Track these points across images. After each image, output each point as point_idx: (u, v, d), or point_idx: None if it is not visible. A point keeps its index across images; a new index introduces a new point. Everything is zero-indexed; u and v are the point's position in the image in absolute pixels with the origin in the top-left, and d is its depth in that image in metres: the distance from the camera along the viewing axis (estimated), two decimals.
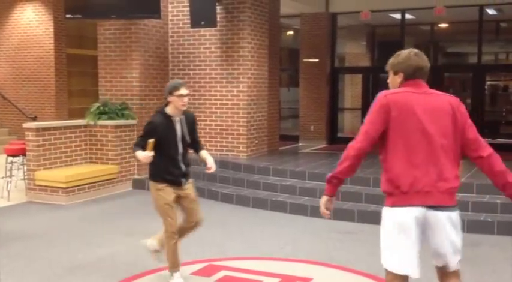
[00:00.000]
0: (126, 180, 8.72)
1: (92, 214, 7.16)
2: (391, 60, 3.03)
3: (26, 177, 8.07)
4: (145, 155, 4.09)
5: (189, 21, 8.77)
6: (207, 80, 9.23)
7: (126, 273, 4.73)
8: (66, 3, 9.01)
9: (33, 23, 12.99)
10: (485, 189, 6.47)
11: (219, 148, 9.14)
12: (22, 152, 7.98)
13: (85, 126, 8.54)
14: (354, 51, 15.34)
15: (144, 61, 8.94)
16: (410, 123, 2.80)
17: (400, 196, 2.79)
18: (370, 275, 4.63)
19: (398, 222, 2.79)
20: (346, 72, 14.63)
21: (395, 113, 2.81)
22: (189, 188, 4.42)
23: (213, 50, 9.17)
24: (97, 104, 8.79)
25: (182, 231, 4.49)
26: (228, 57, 9.06)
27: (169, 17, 9.43)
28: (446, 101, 2.89)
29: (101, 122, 8.49)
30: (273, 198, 7.36)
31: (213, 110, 9.21)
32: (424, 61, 2.96)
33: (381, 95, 2.90)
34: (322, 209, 3.04)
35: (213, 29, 8.92)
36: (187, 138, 4.35)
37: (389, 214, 2.84)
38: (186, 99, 4.23)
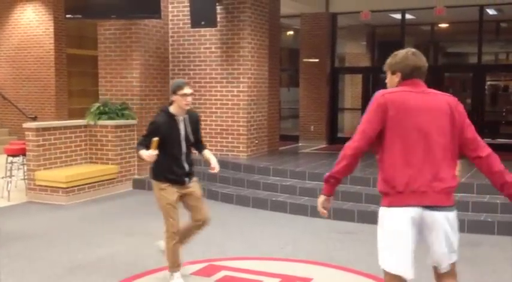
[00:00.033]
0: (126, 180, 8.72)
1: (92, 214, 7.16)
2: (389, 60, 3.02)
3: (26, 177, 8.07)
4: (149, 154, 4.09)
5: (189, 21, 8.77)
6: (207, 80, 9.23)
7: (126, 273, 4.73)
8: (66, 3, 9.01)
9: (33, 23, 12.99)
10: (486, 189, 6.47)
11: (219, 148, 9.14)
12: (22, 152, 7.98)
13: (85, 126, 8.55)
14: (354, 52, 15.34)
15: (144, 61, 8.94)
16: (407, 123, 2.79)
17: (396, 196, 2.78)
18: (370, 275, 4.63)
19: (395, 222, 2.78)
20: (346, 73, 14.63)
21: (392, 112, 2.80)
22: (193, 186, 4.40)
23: (213, 50, 9.17)
24: (97, 104, 8.79)
25: (188, 232, 4.48)
26: (228, 57, 9.06)
27: (170, 17, 9.44)
28: (444, 100, 2.88)
29: (101, 122, 8.49)
30: (273, 198, 7.36)
31: (213, 110, 9.21)
32: (422, 61, 2.95)
33: (379, 94, 2.89)
34: (320, 208, 3.05)
35: (213, 29, 8.92)
36: (191, 137, 4.34)
37: (386, 214, 2.83)
38: (189, 99, 4.23)
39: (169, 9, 9.41)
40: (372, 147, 2.91)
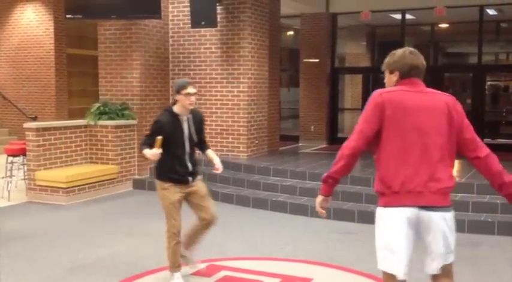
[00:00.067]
0: (126, 180, 8.72)
1: (92, 214, 7.16)
2: (387, 60, 3.00)
3: (26, 177, 8.08)
4: (153, 152, 4.08)
5: (189, 21, 8.77)
6: (208, 80, 9.23)
7: (126, 273, 4.73)
8: (66, 4, 9.02)
9: (33, 23, 13.00)
10: (486, 189, 6.47)
11: (219, 148, 9.14)
12: (22, 152, 7.98)
13: (85, 126, 8.55)
14: (354, 52, 15.35)
15: (144, 61, 8.94)
16: (404, 122, 2.78)
17: (392, 196, 2.77)
18: (371, 275, 4.63)
19: (390, 222, 2.77)
20: (347, 73, 14.64)
21: (389, 111, 2.78)
22: (197, 184, 4.38)
23: (213, 50, 9.17)
24: (97, 104, 8.79)
25: (196, 233, 4.47)
26: (228, 58, 9.06)
27: (170, 17, 9.44)
28: (442, 99, 2.86)
29: (101, 122, 8.49)
30: (273, 199, 7.36)
31: (214, 110, 9.21)
32: (420, 59, 2.93)
33: (376, 94, 2.88)
34: (318, 208, 3.03)
35: (213, 29, 8.92)
36: (195, 137, 4.33)
37: (382, 214, 2.82)
38: (193, 98, 4.22)
39: (170, 10, 9.42)
40: (370, 147, 2.89)
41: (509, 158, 8.60)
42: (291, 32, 15.87)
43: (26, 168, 8.06)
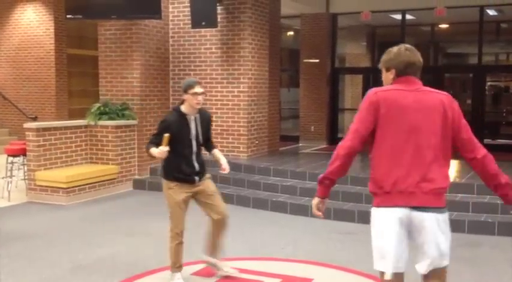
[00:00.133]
0: (126, 180, 8.72)
1: (93, 214, 7.17)
2: (383, 57, 2.97)
3: (26, 177, 8.08)
4: (161, 150, 4.07)
5: (189, 21, 8.77)
6: (208, 81, 9.23)
7: (126, 274, 4.73)
8: (66, 4, 9.02)
9: (33, 23, 13.00)
10: (486, 190, 6.37)
11: (219, 148, 9.02)
12: (22, 152, 7.98)
13: (85, 126, 8.55)
14: (354, 52, 15.35)
15: (144, 61, 8.94)
16: (398, 122, 2.74)
17: (384, 196, 2.75)
18: (371, 275, 4.62)
19: (382, 222, 2.75)
20: (347, 73, 14.64)
21: (384, 110, 2.75)
22: (204, 183, 4.36)
23: (213, 50, 9.18)
24: (97, 105, 8.79)
25: (214, 237, 4.44)
26: (228, 58, 9.06)
27: (170, 18, 9.44)
28: (437, 98, 2.81)
29: (101, 123, 8.49)
30: (274, 199, 7.36)
31: (214, 110, 9.21)
32: (416, 56, 2.88)
33: (371, 92, 2.85)
34: (315, 211, 2.98)
35: (213, 29, 8.92)
36: (202, 137, 4.32)
37: (375, 214, 2.80)
38: (200, 98, 4.21)
39: (170, 10, 9.42)
40: (366, 147, 2.86)
41: (509, 159, 8.62)
42: (291, 32, 15.88)
43: (26, 168, 8.06)
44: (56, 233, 6.19)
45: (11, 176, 8.02)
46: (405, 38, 12.39)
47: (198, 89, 4.19)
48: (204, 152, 4.48)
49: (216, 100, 9.20)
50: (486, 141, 11.12)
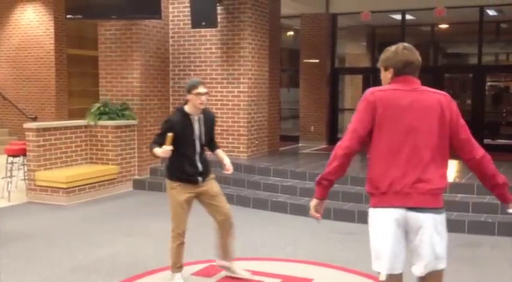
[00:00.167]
0: (126, 180, 8.72)
1: (93, 214, 7.16)
2: (381, 56, 2.95)
3: (26, 177, 8.08)
4: (164, 150, 4.06)
5: (189, 21, 8.77)
6: (208, 81, 9.23)
7: (126, 274, 4.73)
8: (66, 4, 9.02)
9: (33, 23, 13.00)
10: (486, 190, 6.34)
11: None
12: (22, 153, 7.98)
13: (85, 126, 8.55)
14: (354, 52, 15.35)
15: (144, 62, 8.94)
16: (395, 122, 2.73)
17: (380, 197, 2.73)
18: (371, 275, 4.62)
19: (379, 223, 2.74)
20: (347, 73, 14.64)
21: (381, 110, 2.74)
22: (207, 184, 4.35)
23: (213, 50, 9.18)
24: (97, 105, 8.79)
25: (222, 239, 4.42)
26: (228, 58, 9.06)
27: (170, 18, 9.44)
28: (434, 98, 2.78)
29: (101, 123, 8.49)
30: (274, 199, 7.36)
31: (214, 110, 9.14)
32: (415, 55, 2.85)
33: (368, 92, 2.83)
34: (313, 213, 2.93)
35: (213, 29, 8.92)
36: (205, 137, 4.31)
37: (372, 215, 2.79)
38: (204, 98, 4.21)
39: (170, 10, 9.42)
40: (364, 147, 2.84)
41: (509, 159, 8.63)
42: (291, 33, 15.88)
43: (26, 168, 8.06)
44: (56, 233, 6.19)
45: (11, 176, 8.02)
46: (405, 38, 12.39)
47: (201, 89, 4.19)
48: (207, 152, 4.47)
49: (216, 100, 9.20)
50: (486, 141, 11.13)
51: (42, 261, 5.10)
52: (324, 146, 12.62)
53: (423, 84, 2.89)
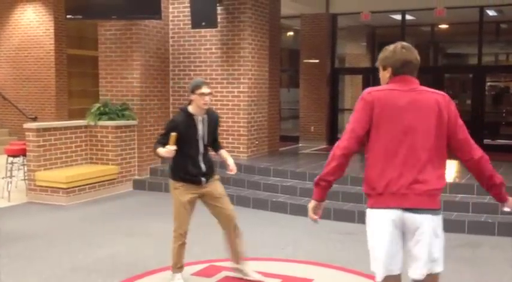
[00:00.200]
0: (126, 180, 8.72)
1: (93, 214, 7.16)
2: (380, 55, 2.93)
3: (26, 177, 8.07)
4: (167, 149, 4.06)
5: (189, 21, 8.77)
6: (208, 81, 9.12)
7: (126, 274, 4.73)
8: (66, 4, 9.02)
9: (33, 23, 13.00)
10: None
11: None
12: (22, 153, 7.98)
13: (85, 126, 8.55)
14: (354, 52, 15.35)
15: (144, 62, 8.94)
16: (392, 123, 2.71)
17: (376, 198, 2.72)
18: (371, 275, 4.62)
19: (375, 223, 2.73)
20: (347, 73, 14.64)
21: (378, 110, 2.73)
22: (211, 185, 4.34)
23: (213, 50, 9.18)
24: (97, 105, 8.79)
25: (229, 241, 4.42)
26: (228, 58, 9.06)
27: (170, 18, 9.44)
28: (432, 98, 2.75)
29: (101, 123, 8.49)
30: (274, 199, 7.36)
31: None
32: (413, 54, 2.83)
33: (365, 92, 2.83)
34: (311, 215, 2.89)
35: (213, 29, 8.93)
36: (209, 137, 4.31)
37: (369, 215, 2.78)
38: (207, 98, 4.20)
39: (170, 10, 9.42)
40: (362, 147, 2.83)
41: (509, 159, 8.62)
42: (291, 33, 15.88)
43: (26, 168, 8.06)
44: (56, 233, 6.19)
45: (11, 176, 8.02)
46: (405, 38, 12.37)
47: (205, 90, 4.18)
48: (211, 152, 4.47)
49: (216, 100, 9.19)
50: (486, 141, 11.12)
51: (42, 261, 5.10)
52: (324, 146, 12.61)
53: (423, 84, 2.87)
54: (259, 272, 4.73)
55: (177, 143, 4.06)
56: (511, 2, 10.82)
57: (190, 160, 4.23)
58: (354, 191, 7.08)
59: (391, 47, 2.89)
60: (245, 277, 4.54)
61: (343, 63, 14.82)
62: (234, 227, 4.42)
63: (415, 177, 2.67)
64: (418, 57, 2.86)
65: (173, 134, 4.05)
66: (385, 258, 2.69)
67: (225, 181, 8.20)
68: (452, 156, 2.87)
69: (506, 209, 2.95)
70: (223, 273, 4.72)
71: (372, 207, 2.77)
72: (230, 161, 4.37)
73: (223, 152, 4.49)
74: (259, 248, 5.62)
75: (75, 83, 14.03)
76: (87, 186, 7.98)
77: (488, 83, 14.05)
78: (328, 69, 13.15)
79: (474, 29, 11.79)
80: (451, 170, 7.79)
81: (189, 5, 8.70)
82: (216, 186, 4.38)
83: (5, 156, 8.22)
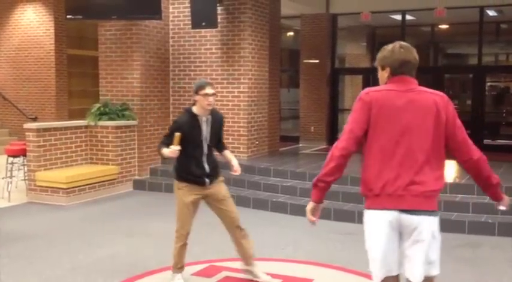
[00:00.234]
0: (126, 180, 8.72)
1: (93, 215, 7.17)
2: (378, 55, 2.91)
3: (26, 177, 8.08)
4: (172, 149, 4.05)
5: (189, 22, 8.78)
6: (208, 81, 9.22)
7: (126, 274, 4.73)
8: (67, 4, 9.02)
9: (33, 23, 13.00)
10: None
11: None
12: (23, 153, 7.98)
13: (86, 127, 8.55)
14: (354, 52, 15.34)
15: (144, 62, 8.94)
16: (389, 123, 2.70)
17: (373, 199, 2.71)
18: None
19: (372, 224, 2.73)
20: (347, 73, 14.63)
21: (375, 110, 2.71)
22: (215, 186, 4.33)
23: (213, 50, 9.18)
24: (98, 105, 8.79)
25: (237, 243, 4.42)
26: (228, 58, 9.07)
27: (170, 18, 9.44)
28: (430, 99, 2.73)
29: (101, 123, 8.49)
30: (274, 199, 7.36)
31: None
32: (412, 54, 2.82)
33: (363, 93, 2.81)
34: (309, 216, 2.87)
35: (213, 30, 8.93)
36: (212, 138, 4.30)
37: (366, 216, 2.77)
38: (211, 99, 4.21)
39: (170, 10, 9.42)
40: (361, 147, 2.81)
41: (509, 159, 8.62)
42: (291, 33, 15.88)
43: (26, 168, 8.06)
44: (56, 233, 6.19)
45: (11, 177, 8.02)
46: (405, 38, 12.38)
47: (209, 90, 4.19)
48: (215, 153, 4.46)
49: (216, 100, 9.16)
50: (486, 141, 11.10)
51: (42, 262, 5.10)
52: (324, 147, 12.61)
53: (423, 84, 2.86)
54: None
55: (181, 143, 4.06)
56: (511, 2, 10.81)
57: (194, 161, 4.22)
58: (353, 191, 7.07)
59: (389, 46, 2.88)
60: (254, 279, 4.52)
61: (343, 63, 14.81)
62: (238, 229, 4.42)
63: (412, 179, 2.66)
64: (417, 57, 2.85)
65: (177, 134, 4.05)
66: (382, 259, 2.69)
67: (226, 181, 8.18)
68: (450, 156, 2.87)
69: (501, 208, 2.96)
70: (223, 273, 4.72)
71: (368, 208, 2.76)
72: (234, 162, 4.37)
73: (227, 153, 4.50)
74: (259, 248, 5.60)
75: (75, 83, 14.03)
76: (87, 187, 7.98)
77: (489, 83, 14.04)
78: (328, 70, 13.15)
79: (474, 29, 11.79)
80: (451, 170, 7.79)
81: (189, 5, 8.71)
82: (220, 188, 4.37)
83: (5, 156, 8.22)
